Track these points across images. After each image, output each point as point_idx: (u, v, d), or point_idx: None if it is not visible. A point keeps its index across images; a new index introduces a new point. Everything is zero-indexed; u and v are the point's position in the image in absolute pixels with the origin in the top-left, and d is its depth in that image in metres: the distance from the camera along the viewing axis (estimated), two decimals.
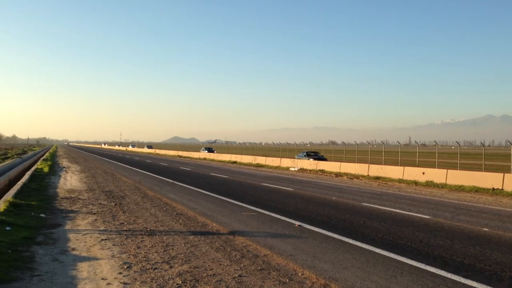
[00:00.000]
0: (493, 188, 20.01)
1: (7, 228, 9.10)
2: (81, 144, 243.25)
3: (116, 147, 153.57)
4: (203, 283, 6.27)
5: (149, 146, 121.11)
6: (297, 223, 10.95)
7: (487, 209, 14.58)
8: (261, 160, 44.31)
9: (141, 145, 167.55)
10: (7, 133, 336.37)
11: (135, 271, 6.76)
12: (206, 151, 67.02)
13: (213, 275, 6.64)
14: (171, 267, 7.03)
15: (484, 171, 23.99)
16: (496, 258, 7.83)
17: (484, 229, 10.69)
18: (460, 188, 21.05)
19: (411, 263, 7.36)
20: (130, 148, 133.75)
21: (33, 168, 28.80)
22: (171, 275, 6.58)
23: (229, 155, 54.23)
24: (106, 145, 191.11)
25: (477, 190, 20.29)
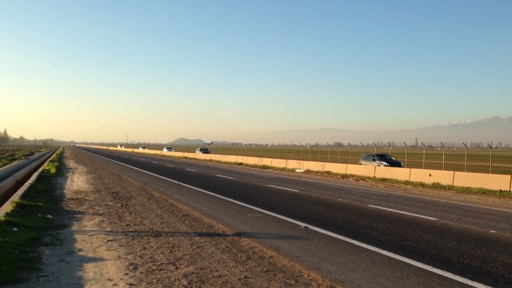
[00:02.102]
0: (501, 190, 19.90)
1: (14, 229, 9.15)
2: (89, 146, 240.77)
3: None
4: (209, 284, 6.27)
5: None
6: (303, 224, 10.93)
7: (494, 211, 14.50)
8: (267, 161, 44.32)
9: (148, 146, 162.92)
10: (15, 134, 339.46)
11: (141, 272, 6.77)
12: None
13: (219, 276, 6.64)
14: (177, 268, 7.04)
15: (491, 173, 23.89)
16: (503, 260, 7.78)
17: (491, 231, 10.62)
18: (467, 190, 20.96)
19: (417, 265, 7.33)
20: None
21: (40, 169, 28.95)
22: (177, 276, 6.58)
23: (235, 156, 54.26)
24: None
25: (484, 192, 20.19)
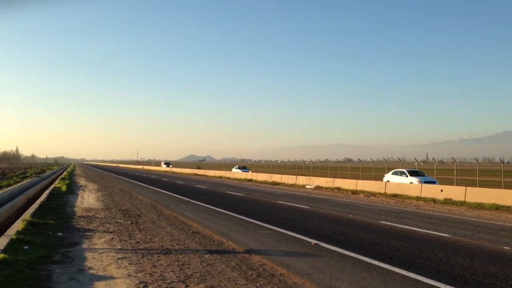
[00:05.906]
0: None
1: (25, 247, 9.19)
2: (100, 163, 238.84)
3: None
4: None
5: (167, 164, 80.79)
6: (313, 241, 10.85)
7: (507, 227, 14.30)
8: (276, 178, 44.22)
9: (157, 163, 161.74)
10: (27, 152, 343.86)
11: None
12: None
13: None
14: (187, 286, 7.00)
15: (503, 188, 23.60)
16: None
17: (505, 247, 10.47)
18: (479, 206, 20.71)
19: (430, 283, 7.22)
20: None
21: (51, 187, 29.15)
22: None
23: (245, 173, 54.24)
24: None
25: (497, 207, 19.94)
